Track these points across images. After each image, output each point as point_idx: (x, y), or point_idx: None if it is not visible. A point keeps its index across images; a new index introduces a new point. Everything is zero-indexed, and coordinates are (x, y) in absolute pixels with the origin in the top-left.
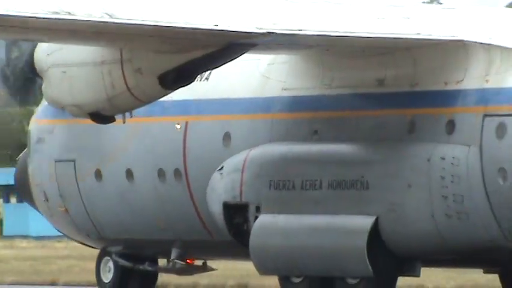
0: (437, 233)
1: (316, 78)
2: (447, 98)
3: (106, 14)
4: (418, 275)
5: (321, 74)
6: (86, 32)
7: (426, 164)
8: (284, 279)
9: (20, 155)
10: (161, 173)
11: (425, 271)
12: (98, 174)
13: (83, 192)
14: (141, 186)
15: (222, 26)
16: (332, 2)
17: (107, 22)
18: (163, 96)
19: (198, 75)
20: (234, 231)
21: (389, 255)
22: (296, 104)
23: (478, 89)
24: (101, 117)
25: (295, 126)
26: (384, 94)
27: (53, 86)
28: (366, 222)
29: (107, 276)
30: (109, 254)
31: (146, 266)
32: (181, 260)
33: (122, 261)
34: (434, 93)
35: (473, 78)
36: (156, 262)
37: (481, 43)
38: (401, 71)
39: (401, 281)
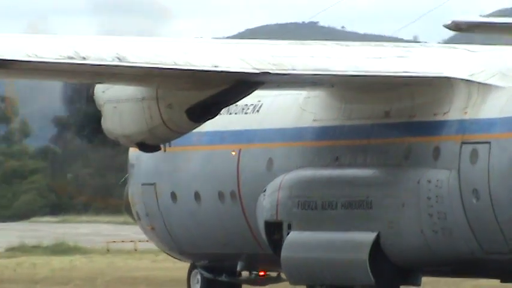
0: (427, 246)
1: (338, 110)
2: (435, 127)
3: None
4: (419, 285)
5: (342, 107)
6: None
7: (416, 186)
8: None
9: (123, 178)
10: (221, 195)
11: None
12: (173, 196)
13: (162, 212)
14: (205, 206)
15: (222, 68)
16: (330, 43)
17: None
18: (194, 128)
19: (223, 109)
20: (273, 246)
21: (390, 267)
22: (322, 133)
23: (459, 120)
24: (147, 146)
25: (321, 153)
26: (389, 124)
27: (107, 119)
28: (368, 237)
29: (198, 285)
30: (196, 267)
31: (223, 278)
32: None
33: (205, 273)
34: (426, 124)
35: (456, 110)
36: (234, 274)
37: (463, 79)
38: (402, 104)
39: None
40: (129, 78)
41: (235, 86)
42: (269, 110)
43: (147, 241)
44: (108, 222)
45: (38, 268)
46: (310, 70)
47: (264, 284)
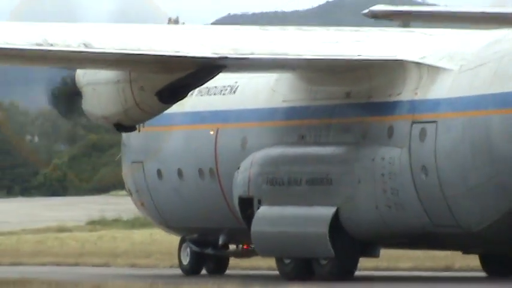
0: (382, 221)
1: (305, 92)
2: (389, 108)
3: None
4: (377, 256)
5: (308, 89)
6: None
7: (371, 164)
8: (278, 260)
9: (118, 156)
10: (201, 172)
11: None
12: (159, 173)
13: (150, 188)
14: (188, 183)
15: (183, 53)
16: (291, 28)
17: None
18: (165, 109)
19: (204, 90)
20: (247, 221)
21: (349, 240)
22: (290, 113)
23: (410, 100)
24: (123, 127)
25: (289, 132)
26: (349, 105)
27: (87, 101)
28: (328, 212)
29: (186, 259)
30: (186, 240)
31: (210, 251)
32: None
33: (193, 247)
34: (381, 104)
35: (408, 91)
36: (221, 247)
37: (414, 62)
38: (361, 86)
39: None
40: (97, 63)
41: (199, 70)
42: (244, 91)
43: None
44: None
45: (119, 241)
46: (268, 54)
47: (249, 256)
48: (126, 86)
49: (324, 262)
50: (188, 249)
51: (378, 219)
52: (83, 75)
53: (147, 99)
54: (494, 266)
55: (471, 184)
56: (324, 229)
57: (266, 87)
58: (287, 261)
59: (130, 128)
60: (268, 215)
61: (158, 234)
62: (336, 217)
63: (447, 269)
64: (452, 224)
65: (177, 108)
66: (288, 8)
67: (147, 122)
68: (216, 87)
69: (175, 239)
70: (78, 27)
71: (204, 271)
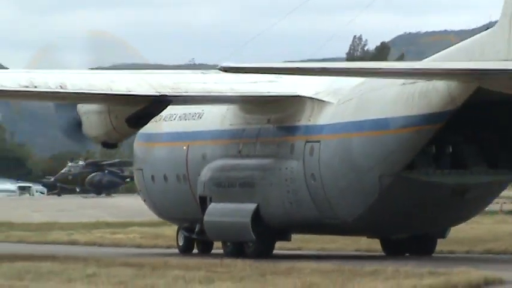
0: (287, 214)
1: (242, 118)
2: (293, 131)
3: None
4: (289, 240)
5: (243, 116)
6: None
7: (279, 172)
8: (223, 243)
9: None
10: (178, 177)
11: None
12: (152, 178)
13: (148, 189)
14: (170, 185)
15: (134, 92)
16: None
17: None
18: (135, 132)
19: (181, 116)
20: (204, 213)
21: (266, 228)
22: (233, 134)
23: (305, 125)
24: (108, 144)
25: (231, 148)
26: (269, 128)
27: (84, 125)
28: (251, 207)
29: (181, 242)
30: (180, 228)
31: (194, 236)
32: None
33: (185, 233)
34: (288, 128)
35: (304, 118)
36: (203, 233)
37: (309, 97)
38: (277, 114)
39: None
40: (73, 99)
41: (152, 104)
42: (207, 117)
43: None
44: None
45: None
46: (200, 93)
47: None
48: (106, 115)
49: (250, 244)
50: (182, 235)
51: (285, 213)
52: (81, 107)
53: (120, 124)
54: (391, 248)
55: (341, 187)
56: (247, 220)
57: (220, 115)
58: (228, 244)
59: (113, 146)
60: (214, 210)
61: None
62: (256, 211)
63: (356, 250)
64: (333, 216)
65: (163, 129)
66: None
67: (144, 139)
68: (189, 113)
69: None
70: (57, 73)
71: (196, 250)
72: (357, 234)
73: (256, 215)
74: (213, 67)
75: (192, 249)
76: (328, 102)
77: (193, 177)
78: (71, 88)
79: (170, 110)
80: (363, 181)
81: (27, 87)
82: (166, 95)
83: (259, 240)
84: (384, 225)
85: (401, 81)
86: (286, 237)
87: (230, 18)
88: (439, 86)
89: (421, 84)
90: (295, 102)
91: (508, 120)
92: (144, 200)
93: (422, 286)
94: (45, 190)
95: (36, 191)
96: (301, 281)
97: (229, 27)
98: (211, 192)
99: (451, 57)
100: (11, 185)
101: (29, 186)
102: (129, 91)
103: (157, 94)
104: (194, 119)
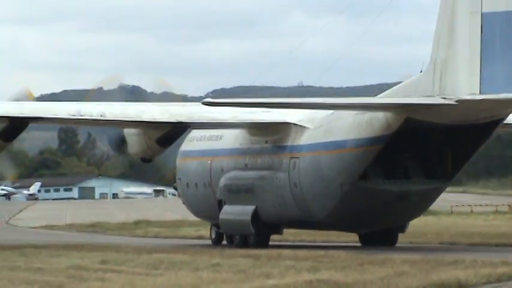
0: (277, 213)
1: (248, 139)
2: (281, 149)
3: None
4: (281, 233)
5: (249, 138)
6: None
7: (272, 181)
8: (232, 237)
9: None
10: (205, 184)
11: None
12: (187, 185)
13: (185, 194)
14: (199, 191)
15: (159, 119)
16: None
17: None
18: (164, 151)
19: (190, 139)
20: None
21: (263, 224)
22: (242, 151)
23: (290, 145)
24: (145, 159)
25: (240, 162)
26: (267, 147)
27: (128, 145)
28: (251, 208)
29: (213, 235)
30: (212, 224)
31: (221, 231)
32: None
33: (215, 228)
34: (279, 147)
35: (290, 140)
36: None
37: (294, 123)
38: (272, 136)
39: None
40: (110, 125)
41: (174, 129)
42: (225, 138)
43: (480, 205)
44: (451, 192)
45: None
46: (208, 120)
47: None
48: (142, 137)
49: (251, 238)
50: (214, 230)
51: (276, 212)
52: (126, 130)
53: (152, 144)
54: (366, 240)
55: (315, 192)
56: (248, 218)
57: (234, 136)
58: (236, 237)
59: (149, 160)
60: (227, 210)
61: (430, 220)
62: (255, 211)
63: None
64: (310, 215)
65: (195, 147)
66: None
67: (182, 155)
68: (213, 135)
69: (446, 223)
70: (99, 104)
71: (224, 242)
72: (328, 229)
73: (255, 214)
74: (318, 89)
75: (222, 241)
76: (307, 128)
77: (215, 184)
78: (109, 116)
79: (201, 132)
80: (329, 188)
81: (74, 115)
82: (183, 122)
83: (258, 233)
84: (346, 222)
85: (355, 112)
86: (278, 231)
87: (337, 44)
88: (380, 115)
89: (368, 114)
90: (284, 127)
91: (441, 141)
92: (183, 202)
93: (497, 274)
94: (176, 193)
95: (169, 194)
96: (393, 269)
97: (336, 53)
98: (225, 196)
99: (396, 94)
100: (147, 189)
101: (163, 190)
102: (154, 119)
103: (176, 121)
104: (216, 140)
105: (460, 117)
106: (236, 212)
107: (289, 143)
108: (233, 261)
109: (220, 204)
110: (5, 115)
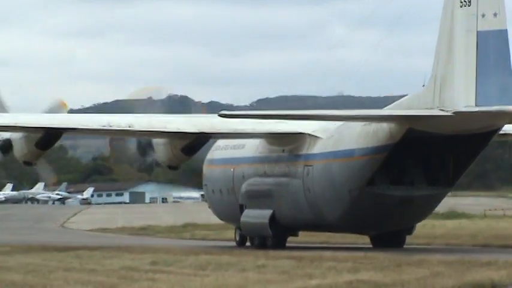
0: (293, 217)
1: (267, 149)
2: (297, 158)
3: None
4: (297, 235)
5: (268, 147)
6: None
7: (288, 187)
8: (253, 238)
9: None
10: (228, 190)
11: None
12: (213, 191)
13: (210, 199)
14: (224, 196)
15: (182, 130)
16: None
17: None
18: (189, 159)
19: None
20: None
21: (280, 226)
22: (261, 159)
23: (305, 154)
24: (172, 167)
25: (260, 169)
26: (284, 156)
27: (156, 153)
28: (269, 212)
29: (237, 237)
30: (236, 227)
31: (244, 233)
32: None
33: (239, 231)
34: (295, 156)
35: (304, 149)
36: None
37: (308, 134)
38: (289, 146)
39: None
40: (138, 135)
41: (197, 138)
42: (247, 147)
43: None
44: (485, 196)
45: (437, 228)
46: (228, 130)
47: None
48: (168, 146)
49: (269, 239)
50: (238, 232)
51: (291, 216)
52: (154, 140)
53: (178, 153)
54: (379, 242)
55: (326, 197)
56: (266, 221)
57: (254, 146)
58: (257, 238)
59: (175, 168)
60: (247, 214)
61: (464, 223)
62: (273, 215)
63: (353, 243)
64: (323, 219)
65: (220, 156)
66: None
67: (208, 162)
68: (237, 144)
69: (480, 226)
70: (127, 116)
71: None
72: (339, 231)
73: (273, 218)
74: (358, 99)
75: (245, 243)
76: (320, 138)
77: (237, 190)
78: (136, 127)
79: (225, 142)
80: (339, 193)
81: (104, 126)
82: (205, 132)
83: (275, 235)
84: (355, 224)
85: (363, 123)
86: (294, 234)
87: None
88: (384, 126)
89: (374, 125)
90: (299, 137)
91: (442, 150)
92: (209, 207)
93: None
94: None
95: None
96: (430, 270)
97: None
98: (246, 201)
99: (400, 106)
100: (195, 194)
101: None
102: (178, 129)
103: (198, 132)
104: (239, 149)
105: (458, 127)
106: (255, 215)
107: (303, 152)
108: (277, 262)
109: (241, 208)
110: (41, 126)
